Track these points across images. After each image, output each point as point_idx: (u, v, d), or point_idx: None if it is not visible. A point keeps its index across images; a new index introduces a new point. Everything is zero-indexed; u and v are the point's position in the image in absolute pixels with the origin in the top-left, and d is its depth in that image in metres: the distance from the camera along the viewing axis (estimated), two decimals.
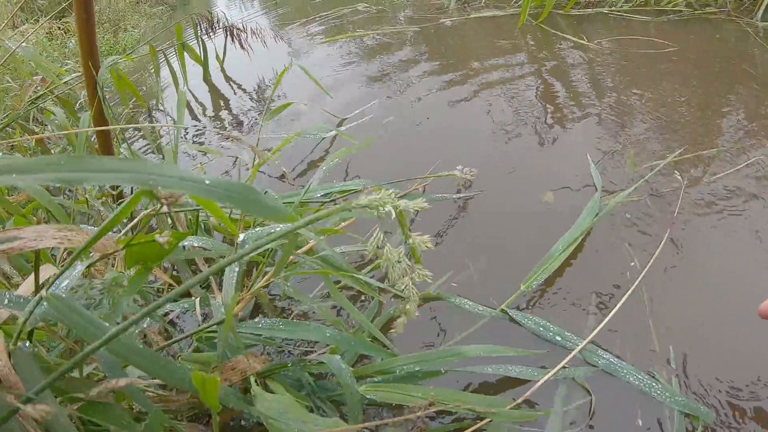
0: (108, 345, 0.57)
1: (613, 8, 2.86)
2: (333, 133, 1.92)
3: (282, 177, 1.89)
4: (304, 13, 5.10)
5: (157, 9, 12.71)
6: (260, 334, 1.04)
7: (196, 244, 1.04)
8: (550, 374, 1.01)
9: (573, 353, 1.04)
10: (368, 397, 0.94)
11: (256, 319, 1.04)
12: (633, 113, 1.92)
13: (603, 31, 2.68)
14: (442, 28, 3.23)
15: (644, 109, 1.93)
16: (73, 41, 6.60)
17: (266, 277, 1.06)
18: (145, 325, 1.01)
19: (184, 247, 1.12)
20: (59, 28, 7.49)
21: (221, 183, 0.48)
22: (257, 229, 1.03)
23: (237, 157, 2.09)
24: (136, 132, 2.80)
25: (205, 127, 2.64)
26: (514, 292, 1.20)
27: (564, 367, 1.03)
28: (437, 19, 3.37)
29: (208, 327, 1.01)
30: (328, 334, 0.98)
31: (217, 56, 3.21)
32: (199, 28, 3.06)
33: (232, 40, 3.03)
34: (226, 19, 3.06)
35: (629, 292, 1.16)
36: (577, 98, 2.09)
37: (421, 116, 2.13)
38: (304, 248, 1.09)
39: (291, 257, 1.04)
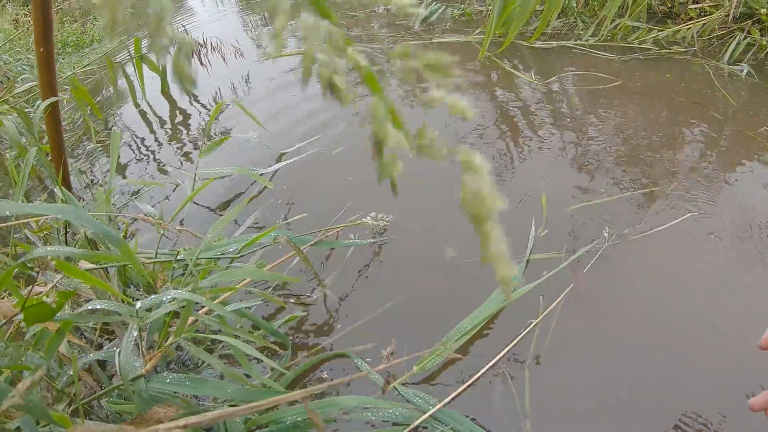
0: None
1: (579, 42, 2.92)
2: (265, 171, 1.99)
3: (219, 209, 1.93)
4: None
5: None
6: (172, 390, 1.10)
7: (99, 306, 1.08)
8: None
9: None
10: None
11: (165, 374, 1.12)
12: (576, 153, 1.99)
13: (565, 66, 2.73)
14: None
15: (585, 149, 2.00)
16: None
17: (170, 340, 1.11)
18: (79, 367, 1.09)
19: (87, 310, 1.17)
20: (26, 15, 7.42)
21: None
22: (152, 296, 1.09)
23: (178, 184, 2.13)
24: (90, 145, 2.81)
25: (155, 149, 2.66)
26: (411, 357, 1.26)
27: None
28: (398, 39, 3.43)
29: (113, 388, 1.11)
30: (229, 390, 1.09)
31: (163, 73, 3.22)
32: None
33: (192, 54, 3.05)
34: (186, 33, 3.08)
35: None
36: (520, 138, 2.14)
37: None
38: (203, 310, 1.15)
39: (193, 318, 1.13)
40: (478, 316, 1.35)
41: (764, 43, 2.70)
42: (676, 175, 1.83)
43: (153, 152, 2.65)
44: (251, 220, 1.62)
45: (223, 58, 3.08)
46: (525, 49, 2.96)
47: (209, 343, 1.39)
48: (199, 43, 3.05)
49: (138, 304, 1.07)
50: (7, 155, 2.80)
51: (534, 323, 1.32)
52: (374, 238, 1.64)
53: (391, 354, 1.02)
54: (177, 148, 2.61)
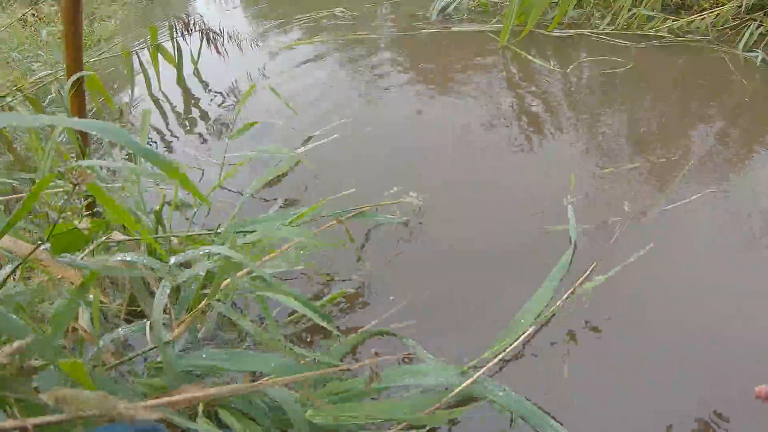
0: None
1: (595, 30, 2.97)
2: (292, 153, 2.01)
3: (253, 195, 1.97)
4: (283, 15, 5.19)
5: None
6: (208, 365, 1.05)
7: (128, 258, 1.06)
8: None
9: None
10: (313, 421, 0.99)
11: (201, 351, 1.08)
12: (599, 136, 2.03)
13: (582, 53, 2.78)
14: (421, 40, 3.33)
15: (605, 128, 2.04)
16: (45, 32, 6.62)
17: (204, 301, 1.08)
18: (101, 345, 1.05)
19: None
20: (33, 14, 7.49)
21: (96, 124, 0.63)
22: (187, 251, 1.07)
23: (203, 170, 2.16)
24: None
25: (176, 137, 2.70)
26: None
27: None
28: (417, 29, 3.47)
29: (138, 354, 1.07)
30: (272, 365, 1.03)
31: (192, 58, 3.26)
32: (174, 31, 3.12)
33: (208, 44, 3.10)
34: (203, 22, 3.13)
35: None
36: (542, 123, 2.19)
37: (392, 129, 2.23)
38: (243, 272, 1.12)
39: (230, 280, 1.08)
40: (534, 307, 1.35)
41: None
42: (693, 153, 1.87)
43: (171, 142, 2.68)
44: (281, 199, 1.66)
45: (240, 47, 3.13)
46: (543, 37, 3.00)
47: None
48: (216, 33, 3.10)
49: (172, 259, 1.05)
50: (17, 146, 2.85)
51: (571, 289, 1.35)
52: (415, 215, 1.68)
53: None
54: (196, 137, 2.64)
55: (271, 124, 2.26)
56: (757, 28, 2.78)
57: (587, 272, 1.42)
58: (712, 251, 1.48)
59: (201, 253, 1.07)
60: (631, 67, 2.55)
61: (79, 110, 1.83)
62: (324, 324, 1.12)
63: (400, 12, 4.02)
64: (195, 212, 1.60)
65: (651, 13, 2.94)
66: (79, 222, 0.81)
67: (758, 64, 2.54)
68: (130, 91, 3.35)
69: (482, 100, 2.38)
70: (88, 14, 8.20)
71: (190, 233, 1.45)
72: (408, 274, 1.50)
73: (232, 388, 0.76)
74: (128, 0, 12.29)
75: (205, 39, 3.11)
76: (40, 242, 0.81)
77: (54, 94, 3.02)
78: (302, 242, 1.26)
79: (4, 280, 0.81)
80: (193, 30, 3.10)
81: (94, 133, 0.71)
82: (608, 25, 2.96)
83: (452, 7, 3.59)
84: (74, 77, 1.70)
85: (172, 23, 3.18)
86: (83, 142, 1.89)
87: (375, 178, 1.90)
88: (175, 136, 2.71)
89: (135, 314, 1.36)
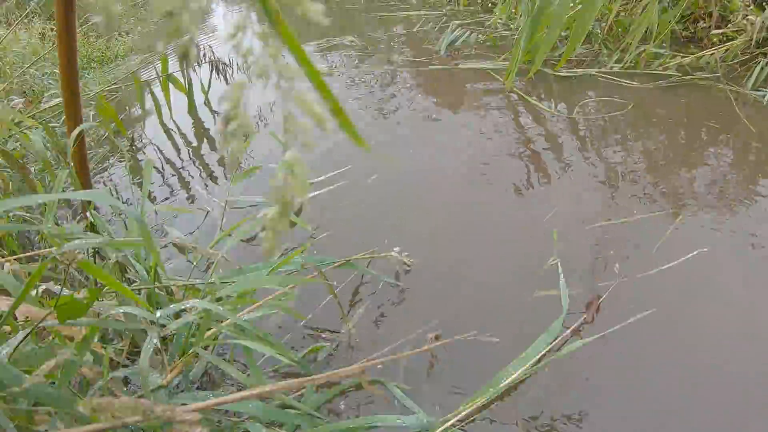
0: None
1: (602, 70, 2.97)
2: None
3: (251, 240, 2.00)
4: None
5: (152, 13, 12.87)
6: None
7: (121, 311, 1.14)
8: None
9: None
10: None
11: (190, 394, 1.18)
12: (597, 184, 2.04)
13: (588, 94, 2.78)
14: (428, 76, 3.35)
15: (605, 173, 2.05)
16: None
17: (191, 349, 1.19)
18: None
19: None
20: (52, 29, 7.66)
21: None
22: (172, 305, 1.16)
23: (208, 211, 2.20)
24: (114, 161, 2.91)
25: (186, 169, 2.75)
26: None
27: None
28: (425, 64, 3.50)
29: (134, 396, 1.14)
30: (251, 406, 1.12)
31: (203, 88, 3.32)
32: (185, 63, 3.17)
33: (218, 74, 3.16)
34: (213, 52, 3.19)
35: None
36: (541, 170, 2.19)
37: (396, 175, 2.25)
38: (225, 323, 1.20)
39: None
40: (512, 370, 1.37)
41: None
42: (692, 202, 1.87)
43: (179, 172, 2.73)
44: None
45: (249, 80, 3.17)
46: (550, 76, 3.01)
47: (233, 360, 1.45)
48: (225, 63, 3.16)
49: (159, 313, 1.13)
50: (32, 169, 2.92)
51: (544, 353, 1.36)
52: (403, 270, 1.70)
53: None
54: (204, 170, 2.69)
55: (274, 167, 2.29)
56: (767, 65, 2.77)
57: (568, 332, 1.43)
58: (707, 322, 1.47)
59: (186, 306, 1.16)
60: (635, 110, 2.55)
61: (81, 158, 1.87)
62: (302, 371, 1.17)
63: (408, 44, 4.06)
64: (194, 264, 1.63)
65: (659, 50, 2.95)
66: (78, 293, 0.92)
67: (765, 103, 2.53)
68: (141, 118, 3.43)
69: (480, 144, 2.40)
70: (108, 30, 8.30)
71: (184, 283, 1.49)
72: (390, 330, 1.52)
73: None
74: (147, 15, 12.52)
75: (214, 70, 3.17)
76: (48, 312, 0.93)
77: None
78: (285, 292, 1.32)
79: (17, 346, 0.91)
80: (203, 61, 3.16)
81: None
82: (616, 62, 2.96)
83: (460, 40, 3.62)
84: (75, 133, 1.75)
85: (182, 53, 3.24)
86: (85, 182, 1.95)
87: (362, 229, 1.93)
88: (185, 169, 2.76)
89: (137, 353, 1.42)
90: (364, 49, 4.17)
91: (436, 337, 1.43)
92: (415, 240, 1.81)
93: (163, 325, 1.16)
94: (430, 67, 3.40)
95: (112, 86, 3.63)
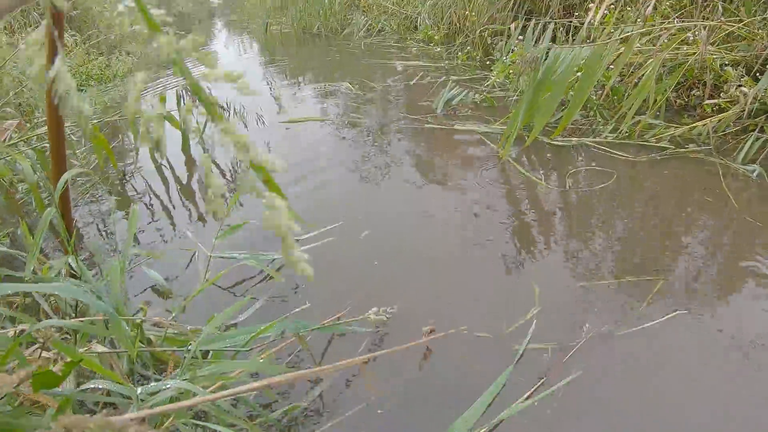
0: None
1: (597, 140, 3.00)
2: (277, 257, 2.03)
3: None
4: (291, 75, 5.33)
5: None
6: None
7: (101, 387, 1.13)
8: None
9: None
10: None
11: None
12: (579, 252, 2.06)
13: (581, 164, 2.80)
14: (423, 135, 3.36)
15: (590, 244, 2.07)
16: None
17: (166, 424, 1.18)
18: None
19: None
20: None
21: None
22: (152, 384, 1.15)
23: (193, 254, 2.19)
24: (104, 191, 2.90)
25: (175, 207, 2.74)
26: None
27: None
28: (421, 122, 3.52)
29: None
30: None
31: (198, 127, 3.33)
32: (182, 100, 3.20)
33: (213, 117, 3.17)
34: (210, 93, 3.20)
35: None
36: (526, 238, 2.21)
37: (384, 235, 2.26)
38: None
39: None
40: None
41: None
42: (669, 273, 1.90)
43: (168, 211, 2.72)
44: (259, 303, 1.68)
45: (245, 126, 3.20)
46: (544, 144, 3.02)
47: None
48: (222, 107, 3.17)
49: (139, 390, 1.13)
50: (20, 187, 2.91)
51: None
52: (377, 329, 1.70)
53: None
54: (193, 210, 2.69)
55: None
56: (757, 140, 2.80)
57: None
58: (675, 384, 1.47)
59: (166, 386, 1.16)
60: (626, 183, 2.58)
61: (65, 206, 1.87)
62: None
63: (405, 97, 4.09)
64: (172, 314, 1.62)
65: (654, 121, 2.98)
66: (53, 366, 0.92)
67: (754, 178, 2.56)
68: (134, 154, 3.43)
69: (470, 211, 2.42)
70: (109, 48, 8.37)
71: (165, 349, 1.48)
72: (364, 395, 1.51)
73: None
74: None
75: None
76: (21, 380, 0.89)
77: None
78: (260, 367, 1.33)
79: None
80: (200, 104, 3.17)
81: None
82: (611, 132, 2.99)
83: (457, 99, 3.66)
84: (61, 182, 1.75)
85: (181, 93, 3.26)
86: (68, 231, 1.94)
87: (346, 288, 1.93)
88: (174, 208, 2.75)
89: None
90: (361, 98, 4.21)
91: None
92: (398, 294, 1.83)
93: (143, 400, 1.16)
94: (426, 125, 3.44)
95: (109, 117, 3.63)
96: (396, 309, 1.70)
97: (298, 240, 2.24)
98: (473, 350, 1.61)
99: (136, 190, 3.11)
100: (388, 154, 3.13)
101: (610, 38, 2.33)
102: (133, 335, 1.45)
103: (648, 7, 2.59)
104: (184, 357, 1.28)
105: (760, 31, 3.23)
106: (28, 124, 3.88)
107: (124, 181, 3.22)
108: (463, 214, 2.39)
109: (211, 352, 1.29)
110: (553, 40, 3.70)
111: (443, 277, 1.97)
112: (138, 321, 1.34)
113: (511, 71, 3.87)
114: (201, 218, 2.63)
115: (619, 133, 2.97)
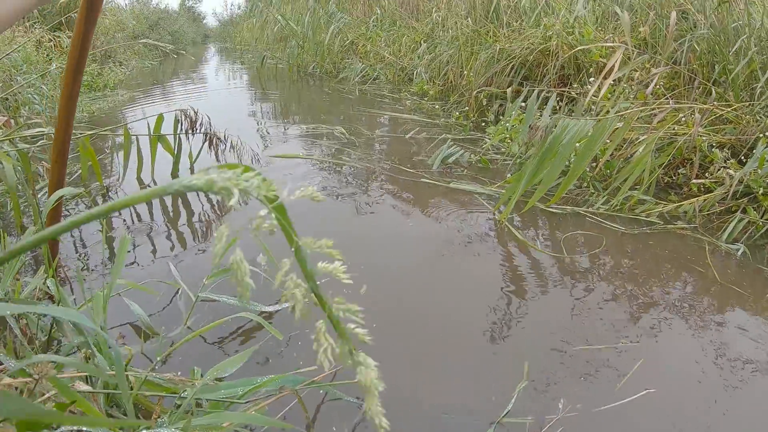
0: None
1: (590, 210, 3.04)
2: (267, 309, 1.97)
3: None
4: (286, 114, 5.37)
5: (151, 53, 13.03)
6: None
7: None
8: None
9: None
10: None
11: None
12: (562, 314, 2.08)
13: (574, 233, 2.81)
14: (418, 190, 3.37)
15: (571, 312, 2.07)
16: (55, 65, 6.73)
17: None
18: None
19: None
20: (50, 39, 7.66)
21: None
22: None
23: (178, 290, 2.12)
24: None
25: (159, 236, 2.68)
26: None
27: None
28: (417, 177, 3.53)
29: None
30: None
31: (191, 155, 3.31)
32: (180, 125, 3.18)
33: (209, 147, 3.16)
34: (210, 123, 3.20)
35: None
36: (521, 299, 2.21)
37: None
38: None
39: None
40: None
41: (760, 224, 2.84)
42: (640, 351, 1.90)
43: (152, 239, 2.66)
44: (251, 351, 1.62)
45: (239, 160, 3.18)
46: (539, 211, 3.06)
47: None
48: (219, 138, 3.16)
49: None
50: None
51: None
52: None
53: None
54: (177, 246, 2.62)
55: (254, 265, 2.20)
56: (740, 221, 2.88)
57: None
58: None
59: None
60: (614, 253, 2.62)
61: (55, 218, 1.82)
62: None
63: (398, 151, 4.14)
64: (158, 359, 1.54)
65: (644, 197, 3.06)
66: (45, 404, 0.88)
67: (738, 257, 2.62)
68: (121, 170, 3.37)
69: (462, 272, 2.43)
70: (104, 55, 8.31)
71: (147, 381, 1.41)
72: None
73: None
74: (144, 50, 12.61)
75: (207, 142, 3.17)
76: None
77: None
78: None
79: None
80: (198, 130, 3.15)
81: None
82: (603, 204, 3.05)
83: (453, 158, 3.71)
84: (54, 197, 1.70)
85: (179, 117, 3.24)
86: (51, 253, 1.88)
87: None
88: (154, 236, 2.68)
89: None
90: (353, 146, 4.23)
91: None
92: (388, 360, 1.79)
93: None
94: (423, 180, 3.47)
95: (101, 131, 3.57)
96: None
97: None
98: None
99: (118, 210, 3.04)
100: (379, 202, 3.14)
101: (609, 113, 2.41)
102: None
103: (649, 87, 2.70)
104: (176, 405, 1.22)
105: (746, 116, 3.38)
106: (14, 122, 3.80)
107: (108, 197, 3.16)
108: (456, 277, 2.38)
109: (205, 401, 1.23)
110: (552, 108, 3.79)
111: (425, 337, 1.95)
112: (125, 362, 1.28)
113: (508, 136, 3.94)
114: (182, 243, 2.58)
115: (612, 205, 3.02)
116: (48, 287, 1.65)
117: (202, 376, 1.39)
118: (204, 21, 32.13)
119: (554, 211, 3.00)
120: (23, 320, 1.64)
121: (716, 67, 3.78)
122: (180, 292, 2.02)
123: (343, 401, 1.59)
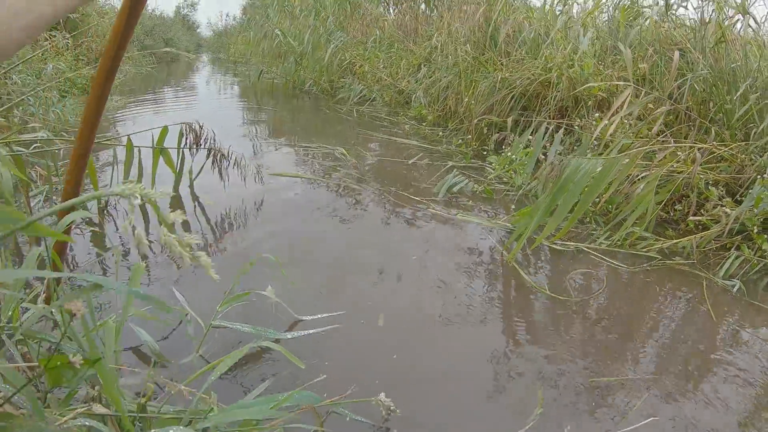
0: None
1: (591, 245, 3.06)
2: (280, 336, 1.94)
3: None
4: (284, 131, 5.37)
5: (145, 60, 12.99)
6: None
7: None
8: None
9: None
10: None
11: None
12: (560, 347, 2.09)
13: (577, 269, 2.83)
14: (423, 222, 3.35)
15: (568, 344, 2.09)
16: (51, 65, 6.67)
17: None
18: None
19: None
20: (46, 39, 7.60)
21: None
22: None
23: (187, 314, 2.08)
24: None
25: (158, 253, 2.65)
26: None
27: None
28: (422, 205, 3.51)
29: None
30: None
31: (191, 172, 3.27)
32: (184, 138, 3.15)
33: (213, 163, 3.14)
34: (214, 138, 3.18)
35: None
36: (523, 335, 2.23)
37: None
38: None
39: None
40: None
41: (755, 262, 2.90)
42: (637, 384, 1.94)
43: (148, 262, 2.61)
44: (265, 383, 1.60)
45: (244, 180, 3.16)
46: (543, 246, 3.07)
47: None
48: (223, 154, 3.14)
49: None
50: None
51: None
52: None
53: None
54: (172, 261, 2.58)
55: (263, 290, 2.16)
56: (737, 258, 2.93)
57: None
58: None
59: None
60: (615, 289, 2.67)
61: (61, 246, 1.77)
62: None
63: (405, 179, 4.13)
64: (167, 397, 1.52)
65: (646, 233, 3.10)
66: (73, 356, 0.90)
67: (734, 293, 2.67)
68: (122, 181, 3.33)
69: (467, 306, 2.43)
70: (98, 57, 8.26)
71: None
72: None
73: None
74: (139, 57, 12.55)
75: (212, 157, 3.15)
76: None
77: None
78: None
79: None
80: (202, 145, 3.14)
81: None
82: (606, 239, 3.09)
83: (458, 187, 3.72)
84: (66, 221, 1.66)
85: (184, 131, 3.22)
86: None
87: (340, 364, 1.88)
88: (152, 257, 2.64)
89: None
90: (355, 168, 4.22)
91: None
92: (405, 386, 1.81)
93: None
94: (428, 209, 3.45)
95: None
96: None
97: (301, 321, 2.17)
98: None
99: (115, 223, 3.01)
100: (385, 229, 3.14)
101: (614, 150, 2.45)
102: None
103: (654, 128, 2.76)
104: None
105: (742, 155, 3.46)
106: (8, 124, 3.75)
107: (105, 212, 3.12)
108: (464, 312, 2.39)
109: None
110: (544, 134, 3.84)
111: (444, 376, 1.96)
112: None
113: (510, 168, 3.98)
114: (178, 266, 2.54)
115: (613, 241, 3.06)
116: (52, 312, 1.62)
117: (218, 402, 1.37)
118: (198, 30, 32.09)
119: (557, 247, 3.03)
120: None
121: (711, 104, 3.88)
122: (188, 316, 1.99)
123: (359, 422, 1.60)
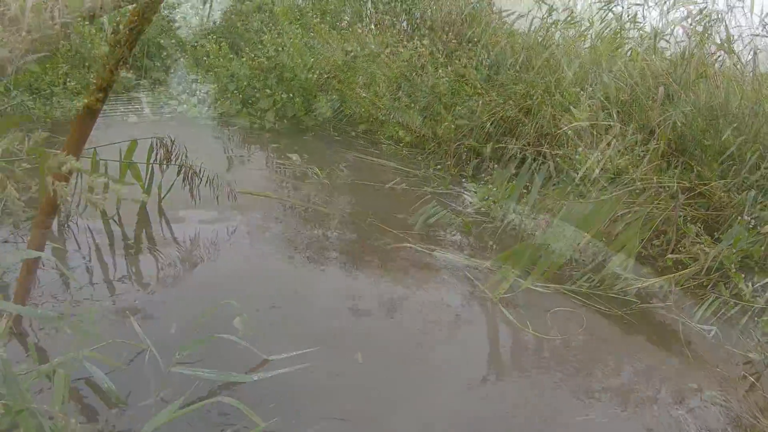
0: None
1: (571, 287, 2.98)
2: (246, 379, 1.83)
3: None
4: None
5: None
6: None
7: None
8: None
9: None
10: None
11: None
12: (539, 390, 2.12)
13: (554, 312, 2.79)
14: (401, 257, 3.23)
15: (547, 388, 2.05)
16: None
17: None
18: None
19: None
20: None
21: None
22: None
23: (146, 351, 1.93)
24: None
25: (121, 273, 2.50)
26: None
27: None
28: (399, 239, 3.35)
29: None
30: None
31: (160, 190, 3.11)
32: (155, 153, 2.98)
33: (183, 181, 2.98)
34: (186, 155, 3.02)
35: None
36: (501, 371, 2.26)
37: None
38: None
39: None
40: None
41: (732, 304, 2.89)
42: None
43: (110, 282, 2.46)
44: None
45: (217, 199, 3.02)
46: (523, 287, 2.97)
47: None
48: (195, 172, 2.99)
49: None
50: None
51: None
52: None
53: None
54: (139, 282, 2.44)
55: (232, 330, 2.03)
56: (715, 300, 2.91)
57: None
58: None
59: None
60: (591, 333, 2.65)
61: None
62: None
63: (381, 208, 3.96)
64: None
65: (624, 274, 3.04)
66: None
67: (710, 338, 2.64)
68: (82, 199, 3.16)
69: (450, 349, 2.42)
70: (81, 62, 7.89)
71: None
72: None
73: None
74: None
75: (182, 174, 3.00)
76: None
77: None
78: None
79: None
80: (173, 161, 2.99)
81: None
82: (585, 281, 3.00)
83: (436, 218, 3.53)
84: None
85: (154, 144, 3.06)
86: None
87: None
88: (114, 275, 2.49)
89: None
90: (329, 190, 4.06)
91: None
92: None
93: None
94: (407, 245, 3.26)
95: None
96: None
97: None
98: None
99: (76, 241, 2.84)
100: (356, 266, 3.05)
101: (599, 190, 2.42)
102: None
103: (638, 168, 2.74)
104: None
105: (721, 193, 3.46)
106: None
107: (67, 225, 2.95)
108: (440, 350, 2.37)
109: None
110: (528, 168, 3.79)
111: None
112: None
113: (492, 199, 3.88)
114: (147, 289, 2.40)
115: (593, 282, 3.00)
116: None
117: None
118: (178, 29, 31.49)
119: (539, 289, 2.93)
120: None
121: (686, 140, 3.87)
122: (145, 351, 1.85)
123: None
